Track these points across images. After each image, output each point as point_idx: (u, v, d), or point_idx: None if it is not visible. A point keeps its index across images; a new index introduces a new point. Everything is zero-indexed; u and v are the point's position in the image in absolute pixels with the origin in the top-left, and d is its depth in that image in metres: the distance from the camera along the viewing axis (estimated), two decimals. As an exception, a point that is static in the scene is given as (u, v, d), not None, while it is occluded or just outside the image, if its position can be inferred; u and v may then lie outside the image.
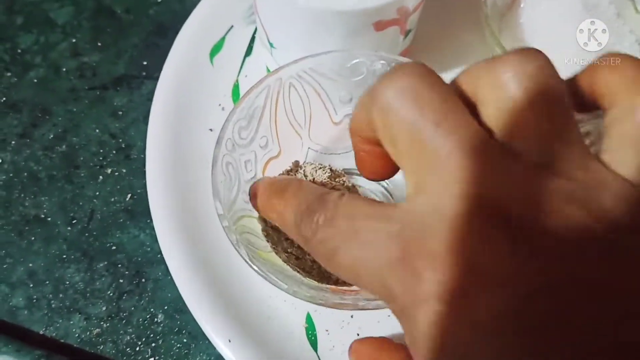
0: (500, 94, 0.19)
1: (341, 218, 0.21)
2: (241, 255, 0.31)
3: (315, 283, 0.34)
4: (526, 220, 0.17)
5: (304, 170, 0.39)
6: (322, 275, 0.35)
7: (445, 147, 0.18)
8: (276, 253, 0.36)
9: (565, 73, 0.39)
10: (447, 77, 0.45)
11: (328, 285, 0.34)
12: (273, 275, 0.31)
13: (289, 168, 0.39)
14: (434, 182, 0.19)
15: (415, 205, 0.19)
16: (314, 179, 0.39)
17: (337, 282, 0.35)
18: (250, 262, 0.31)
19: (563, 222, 0.17)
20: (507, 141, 0.19)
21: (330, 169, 0.39)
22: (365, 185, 0.39)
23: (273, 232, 0.37)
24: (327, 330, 0.37)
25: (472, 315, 0.17)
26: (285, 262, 0.36)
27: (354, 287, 0.35)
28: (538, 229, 0.17)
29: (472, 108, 0.20)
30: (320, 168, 0.39)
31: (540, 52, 0.19)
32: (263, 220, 0.36)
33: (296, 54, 0.38)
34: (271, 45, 0.41)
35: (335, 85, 0.38)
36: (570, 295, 0.17)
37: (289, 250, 0.36)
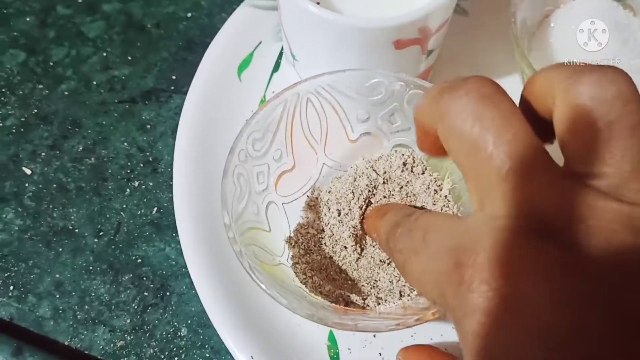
0: (572, 115, 0.20)
1: (417, 230, 0.22)
2: (243, 266, 0.31)
3: (318, 300, 0.34)
4: (575, 239, 0.18)
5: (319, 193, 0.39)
6: (334, 297, 0.35)
7: (502, 168, 0.19)
8: (295, 265, 0.36)
9: (614, 57, 0.39)
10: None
11: (331, 304, 0.34)
12: (274, 289, 0.31)
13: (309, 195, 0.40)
14: (490, 200, 0.20)
15: (474, 220, 0.20)
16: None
17: (347, 304, 0.35)
18: (251, 273, 0.31)
19: (615, 246, 0.17)
20: (573, 162, 0.20)
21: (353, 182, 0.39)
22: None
23: (301, 241, 0.37)
24: (349, 349, 0.37)
25: (515, 329, 0.17)
26: (301, 275, 0.36)
27: (357, 308, 0.35)
28: (588, 249, 0.17)
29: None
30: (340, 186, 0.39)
31: (620, 72, 0.20)
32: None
33: (318, 68, 0.38)
34: (294, 57, 0.41)
35: (353, 103, 0.38)
36: (619, 322, 0.17)
37: (308, 266, 0.37)
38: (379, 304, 0.35)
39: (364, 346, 0.37)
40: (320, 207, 0.39)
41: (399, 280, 0.36)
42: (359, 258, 0.37)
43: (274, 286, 0.32)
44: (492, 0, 0.47)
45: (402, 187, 0.39)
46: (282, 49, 0.46)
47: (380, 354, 0.37)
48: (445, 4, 0.35)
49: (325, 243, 0.38)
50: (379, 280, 0.37)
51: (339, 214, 0.38)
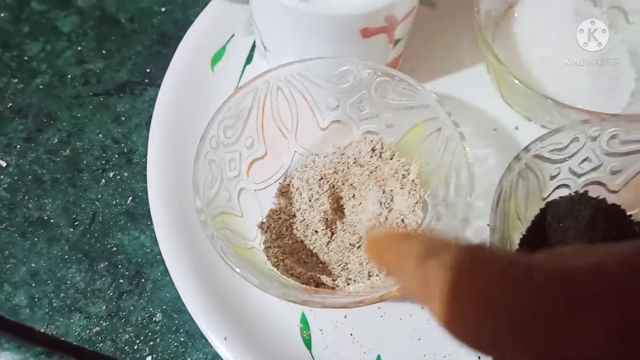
0: None
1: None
2: (215, 249, 0.32)
3: (289, 282, 0.35)
4: None
5: (291, 180, 0.40)
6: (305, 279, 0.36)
7: None
8: (267, 249, 0.37)
9: (565, 74, 0.40)
10: (441, 84, 0.46)
11: (302, 285, 0.35)
12: (246, 271, 0.32)
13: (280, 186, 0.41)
14: None
15: None
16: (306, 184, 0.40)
17: (318, 285, 0.36)
18: (223, 256, 0.32)
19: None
20: None
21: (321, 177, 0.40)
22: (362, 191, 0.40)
23: (273, 227, 0.38)
24: (321, 330, 0.38)
25: None
26: (272, 259, 0.37)
27: (327, 289, 0.36)
28: None
29: None
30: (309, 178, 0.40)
31: None
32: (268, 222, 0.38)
33: (288, 58, 0.39)
34: (265, 48, 0.42)
35: (323, 91, 0.39)
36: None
37: (280, 248, 0.38)
38: (348, 284, 0.36)
39: (335, 327, 0.38)
40: (292, 193, 0.40)
41: (368, 262, 0.37)
42: (329, 242, 0.38)
43: (246, 268, 0.32)
44: (459, -8, 0.48)
45: (371, 172, 0.40)
46: (254, 41, 0.47)
47: (351, 334, 0.38)
48: (410, -7, 0.36)
49: (296, 228, 0.38)
50: (349, 262, 0.38)
51: (310, 200, 0.39)
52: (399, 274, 0.24)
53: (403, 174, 0.40)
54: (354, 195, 0.40)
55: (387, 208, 0.39)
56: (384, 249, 0.25)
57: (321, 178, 0.39)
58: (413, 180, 0.40)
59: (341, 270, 0.37)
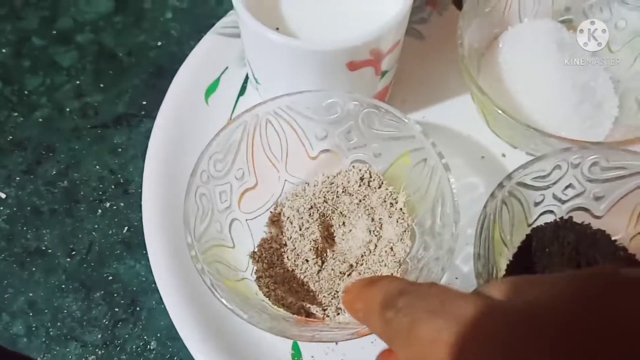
0: None
1: (432, 297, 0.22)
2: (206, 283, 0.33)
3: (280, 312, 0.36)
4: None
5: (282, 209, 0.41)
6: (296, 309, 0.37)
7: None
8: (259, 279, 0.38)
9: (549, 103, 0.41)
10: (431, 113, 0.47)
11: (293, 315, 0.36)
12: (235, 304, 0.32)
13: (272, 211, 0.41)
14: None
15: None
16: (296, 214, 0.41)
17: (308, 315, 0.37)
18: (212, 290, 0.32)
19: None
20: None
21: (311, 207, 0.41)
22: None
23: (264, 256, 0.39)
24: (312, 357, 0.38)
25: None
26: (264, 288, 0.37)
27: (318, 319, 0.36)
28: None
29: None
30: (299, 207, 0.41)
31: None
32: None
33: (279, 90, 0.40)
34: (257, 81, 0.43)
35: (311, 122, 0.40)
36: None
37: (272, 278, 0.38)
38: (338, 314, 0.37)
39: (327, 353, 0.39)
40: (282, 222, 0.41)
41: None
42: (320, 270, 0.39)
43: (235, 301, 0.33)
44: (447, 24, 0.50)
45: (360, 200, 0.41)
46: (247, 74, 0.49)
47: (342, 360, 0.38)
48: (395, 27, 0.37)
49: (287, 257, 0.39)
50: (339, 290, 0.39)
51: (300, 228, 0.40)
52: (366, 321, 0.26)
53: (391, 202, 0.41)
54: (343, 223, 0.41)
55: (376, 236, 0.40)
56: (354, 298, 0.26)
57: (311, 207, 0.40)
58: (401, 208, 0.40)
59: (331, 299, 0.38)
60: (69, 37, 0.54)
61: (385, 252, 0.39)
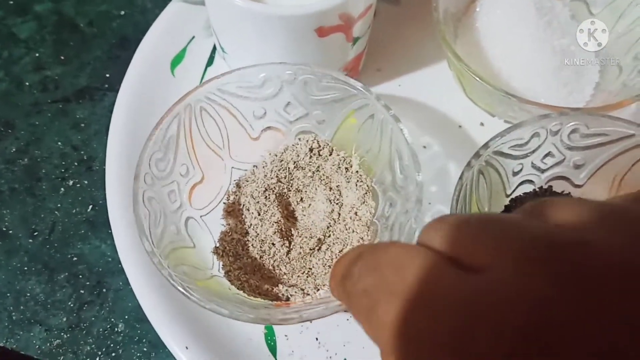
0: None
1: (388, 267, 0.19)
2: (177, 289, 0.31)
3: (259, 301, 0.35)
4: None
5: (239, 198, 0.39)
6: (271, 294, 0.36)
7: None
8: (228, 274, 0.36)
9: (528, 69, 0.40)
10: (404, 82, 0.45)
11: (272, 302, 0.35)
12: (213, 303, 0.31)
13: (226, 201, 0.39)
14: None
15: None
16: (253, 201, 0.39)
17: (287, 298, 0.35)
18: (186, 293, 0.31)
19: None
20: None
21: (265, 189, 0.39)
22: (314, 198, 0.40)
23: (228, 249, 0.37)
24: (286, 336, 0.37)
25: None
26: (236, 282, 0.36)
27: (297, 300, 0.35)
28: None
29: None
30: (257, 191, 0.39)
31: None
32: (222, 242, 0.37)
33: (247, 60, 0.38)
34: (223, 50, 0.41)
35: (247, 102, 0.38)
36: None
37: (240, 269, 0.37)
38: (318, 289, 0.36)
39: (301, 332, 0.37)
40: (239, 211, 0.39)
41: (332, 262, 0.37)
42: (289, 251, 0.38)
43: (212, 300, 0.31)
44: (422, -11, 0.48)
45: (313, 172, 0.39)
46: (215, 43, 0.47)
47: (317, 339, 0.37)
48: (365, -10, 0.36)
49: (252, 245, 0.38)
50: (313, 267, 0.37)
51: (259, 214, 0.38)
52: (337, 297, 0.22)
53: (346, 167, 0.39)
54: (301, 199, 0.39)
55: (337, 204, 0.39)
56: (330, 277, 0.23)
57: (265, 189, 0.39)
58: (357, 171, 0.39)
59: (307, 277, 0.37)
60: (27, 7, 0.51)
61: (350, 218, 0.38)
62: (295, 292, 0.36)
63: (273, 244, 0.37)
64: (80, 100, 0.47)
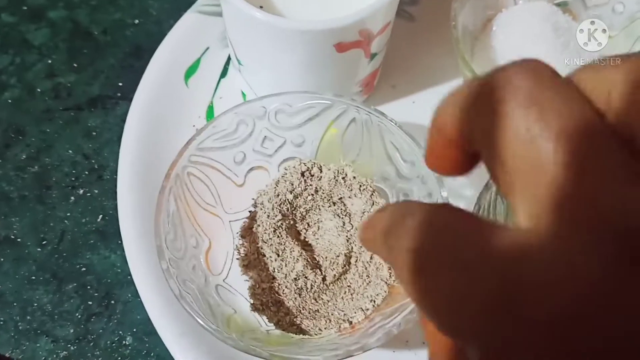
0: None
1: (442, 231, 0.17)
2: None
3: (326, 335, 0.35)
4: None
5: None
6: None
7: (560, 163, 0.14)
8: (279, 325, 0.36)
9: (555, 59, 0.39)
10: (419, 99, 0.45)
11: (338, 332, 0.35)
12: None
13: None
14: (549, 214, 0.14)
15: (519, 234, 0.15)
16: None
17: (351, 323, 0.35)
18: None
19: None
20: None
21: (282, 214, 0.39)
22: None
23: (265, 302, 0.37)
24: (296, 353, 0.37)
25: None
26: (289, 328, 0.36)
27: (361, 319, 0.35)
28: None
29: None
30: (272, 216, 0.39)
31: None
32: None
33: (262, 73, 0.38)
34: (239, 62, 0.41)
35: (225, 151, 0.38)
36: None
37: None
38: (372, 301, 0.36)
39: (311, 350, 0.37)
40: (256, 260, 0.38)
41: (368, 272, 0.37)
42: (324, 277, 0.37)
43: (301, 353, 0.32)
44: (438, 6, 0.48)
45: (313, 195, 0.39)
46: (229, 55, 0.46)
47: None
48: (384, 7, 0.35)
49: (286, 287, 0.37)
50: (350, 283, 0.37)
51: (279, 255, 0.37)
52: (375, 250, 0.21)
53: (342, 178, 0.39)
54: (308, 225, 0.39)
55: (345, 215, 0.38)
56: (364, 226, 0.21)
57: (275, 229, 0.38)
58: (354, 177, 0.39)
59: (354, 296, 0.37)
60: (41, 14, 0.51)
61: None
62: (355, 313, 0.36)
63: (307, 278, 0.36)
64: (92, 108, 0.46)
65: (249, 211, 0.39)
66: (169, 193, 0.34)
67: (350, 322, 0.36)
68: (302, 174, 0.39)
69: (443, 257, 0.16)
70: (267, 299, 0.37)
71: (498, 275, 0.14)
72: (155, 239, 0.33)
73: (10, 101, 0.47)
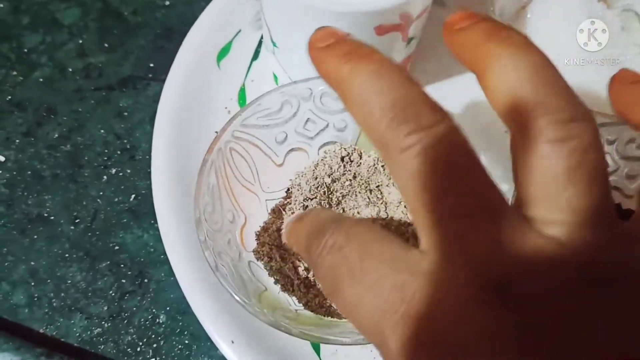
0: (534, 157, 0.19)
1: (352, 249, 0.20)
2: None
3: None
4: (529, 306, 0.17)
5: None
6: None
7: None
8: (307, 304, 0.36)
9: (580, 75, 0.39)
10: (452, 85, 0.45)
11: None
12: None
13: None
14: (427, 237, 0.19)
15: (420, 258, 0.19)
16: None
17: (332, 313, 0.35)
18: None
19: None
20: (526, 205, 0.19)
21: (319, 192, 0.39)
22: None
23: (299, 283, 0.37)
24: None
25: None
26: (319, 309, 0.36)
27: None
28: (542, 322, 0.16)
29: None
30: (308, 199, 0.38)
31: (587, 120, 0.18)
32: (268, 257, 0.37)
33: (297, 55, 0.38)
34: (274, 44, 0.41)
35: (268, 130, 0.38)
36: None
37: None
38: None
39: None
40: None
41: None
42: None
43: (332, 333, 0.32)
44: (469, -8, 0.48)
45: (351, 180, 0.39)
46: (261, 37, 0.46)
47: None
48: (426, -9, 0.35)
49: None
50: None
51: None
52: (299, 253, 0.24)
53: (382, 165, 0.39)
54: (343, 210, 0.39)
55: (382, 203, 0.38)
56: (288, 231, 0.25)
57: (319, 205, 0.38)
58: None
59: None
60: (71, -7, 0.51)
61: (403, 212, 0.38)
62: None
63: None
64: (123, 88, 0.46)
65: (285, 191, 0.39)
66: (210, 166, 0.34)
67: None
68: (342, 159, 0.39)
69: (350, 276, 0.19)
70: (299, 281, 0.37)
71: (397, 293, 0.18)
72: (195, 211, 0.33)
73: (41, 80, 0.47)
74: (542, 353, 0.16)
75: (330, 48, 0.22)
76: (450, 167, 0.18)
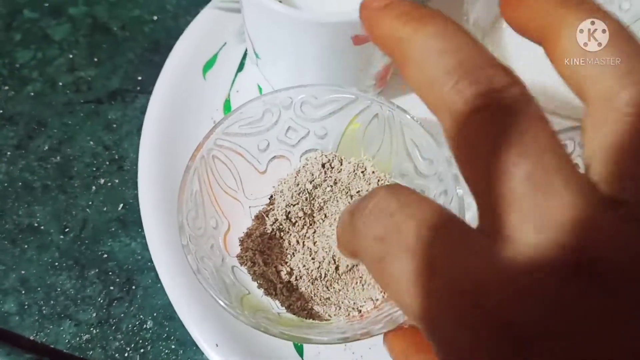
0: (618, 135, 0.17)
1: (408, 220, 0.17)
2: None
3: (334, 321, 0.36)
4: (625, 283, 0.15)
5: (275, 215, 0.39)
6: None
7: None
8: (290, 308, 0.37)
9: (553, 84, 0.41)
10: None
11: (344, 318, 0.36)
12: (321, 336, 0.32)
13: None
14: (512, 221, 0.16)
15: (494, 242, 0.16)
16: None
17: (360, 312, 0.36)
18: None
19: None
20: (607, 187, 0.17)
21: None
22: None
23: (283, 284, 0.38)
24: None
25: None
26: (301, 313, 0.37)
27: (370, 309, 0.36)
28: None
29: None
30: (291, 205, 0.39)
31: None
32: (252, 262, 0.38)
33: (280, 66, 0.39)
34: (257, 55, 0.42)
35: (250, 138, 0.39)
36: None
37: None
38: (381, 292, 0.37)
39: (327, 333, 0.38)
40: (277, 242, 0.39)
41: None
42: (337, 267, 0.38)
43: (308, 334, 0.32)
44: (451, 0, 0.49)
45: (332, 186, 0.40)
46: (246, 49, 0.48)
47: (342, 341, 0.38)
48: None
49: (300, 271, 0.38)
50: (362, 274, 0.38)
51: (298, 242, 0.38)
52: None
53: (362, 171, 0.40)
54: (325, 215, 0.40)
55: None
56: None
57: (295, 222, 0.39)
58: (373, 172, 0.40)
59: (362, 286, 0.38)
60: (61, 10, 0.52)
61: None
62: (365, 302, 0.37)
63: (319, 263, 0.37)
64: (112, 101, 0.48)
65: (269, 198, 0.40)
66: (193, 173, 0.35)
67: (360, 311, 0.37)
68: (323, 166, 0.40)
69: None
70: (280, 285, 0.38)
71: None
72: (178, 216, 0.34)
73: (32, 94, 0.48)
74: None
75: (388, 8, 0.21)
76: (528, 131, 0.17)
